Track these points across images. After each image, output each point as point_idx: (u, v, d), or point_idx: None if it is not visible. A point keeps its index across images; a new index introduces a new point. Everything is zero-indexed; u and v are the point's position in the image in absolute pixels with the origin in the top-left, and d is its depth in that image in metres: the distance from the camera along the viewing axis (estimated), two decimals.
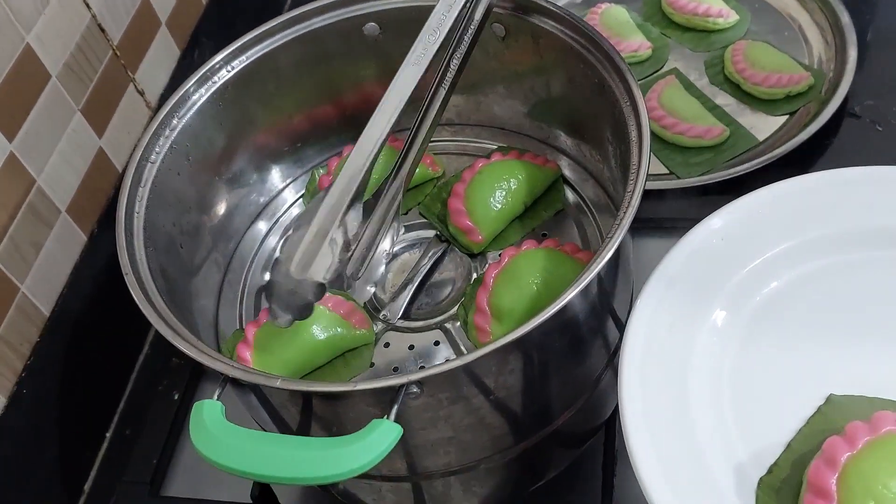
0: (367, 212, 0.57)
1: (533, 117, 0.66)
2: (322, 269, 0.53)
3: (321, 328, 0.56)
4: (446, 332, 0.59)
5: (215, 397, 0.44)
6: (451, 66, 0.58)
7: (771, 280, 0.54)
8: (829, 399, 0.48)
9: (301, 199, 0.68)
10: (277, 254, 0.59)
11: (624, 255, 0.54)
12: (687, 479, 0.44)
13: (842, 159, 0.77)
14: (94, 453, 0.72)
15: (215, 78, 0.60)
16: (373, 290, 0.60)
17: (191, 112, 0.58)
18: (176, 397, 0.72)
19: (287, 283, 0.53)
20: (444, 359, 0.57)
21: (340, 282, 0.57)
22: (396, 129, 0.55)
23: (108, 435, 0.73)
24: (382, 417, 0.42)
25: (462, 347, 0.57)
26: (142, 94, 0.77)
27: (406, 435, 0.48)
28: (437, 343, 0.58)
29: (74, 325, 0.69)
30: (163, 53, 0.80)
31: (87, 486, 0.71)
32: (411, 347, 0.58)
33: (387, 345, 0.59)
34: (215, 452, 0.41)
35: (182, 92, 0.58)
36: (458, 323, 0.59)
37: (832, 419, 0.46)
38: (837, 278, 0.53)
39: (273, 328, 0.56)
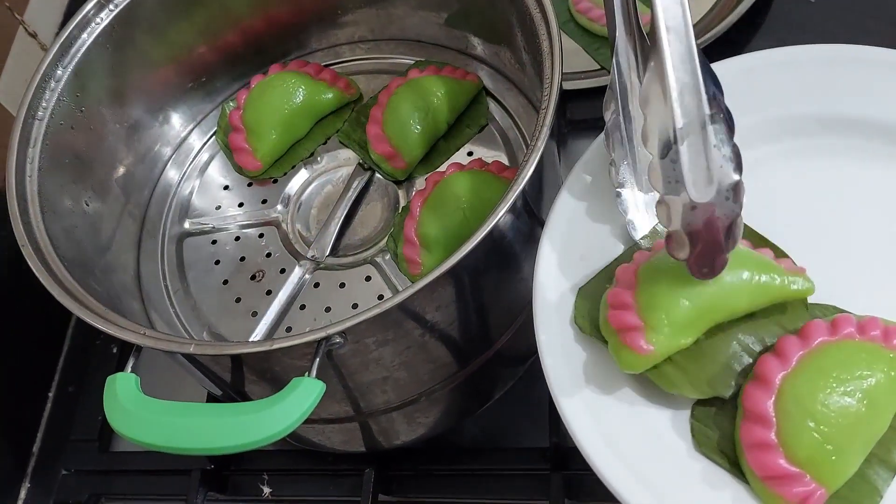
0: None
1: (449, 26, 0.63)
2: (725, 161, 0.37)
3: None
4: (377, 265, 0.57)
5: (128, 369, 0.42)
6: None
7: None
8: None
9: (213, 138, 0.65)
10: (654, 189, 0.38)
11: (548, 166, 0.52)
12: (620, 424, 0.41)
13: (775, 37, 0.75)
14: (39, 414, 0.71)
15: (98, 19, 0.55)
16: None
17: (76, 60, 0.54)
18: (115, 350, 0.71)
19: (699, 214, 0.37)
20: (376, 295, 0.56)
21: None
22: None
23: (50, 395, 0.72)
24: (306, 372, 0.40)
25: (394, 280, 0.56)
26: (34, 36, 0.72)
27: (337, 381, 0.47)
28: (368, 278, 0.56)
29: None
30: None
31: (35, 448, 0.70)
32: (342, 286, 0.56)
33: (317, 285, 0.57)
34: (131, 428, 0.39)
35: (61, 40, 0.53)
36: (389, 256, 0.57)
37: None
38: (764, 170, 0.49)
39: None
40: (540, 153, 0.44)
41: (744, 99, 0.49)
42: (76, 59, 0.54)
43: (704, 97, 0.37)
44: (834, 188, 0.48)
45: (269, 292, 0.57)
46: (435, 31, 0.63)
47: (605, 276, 0.46)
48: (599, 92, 0.72)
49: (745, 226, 0.46)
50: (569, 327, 0.44)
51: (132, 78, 0.58)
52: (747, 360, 0.42)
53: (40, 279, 0.45)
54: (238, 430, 0.38)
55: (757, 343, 0.42)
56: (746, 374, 0.41)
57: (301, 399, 0.39)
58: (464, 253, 0.42)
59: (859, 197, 0.47)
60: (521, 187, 0.44)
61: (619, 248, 0.47)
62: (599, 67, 0.76)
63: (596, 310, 0.44)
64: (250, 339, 0.55)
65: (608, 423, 0.41)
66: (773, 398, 0.39)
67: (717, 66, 0.51)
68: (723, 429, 0.41)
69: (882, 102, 0.48)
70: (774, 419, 0.38)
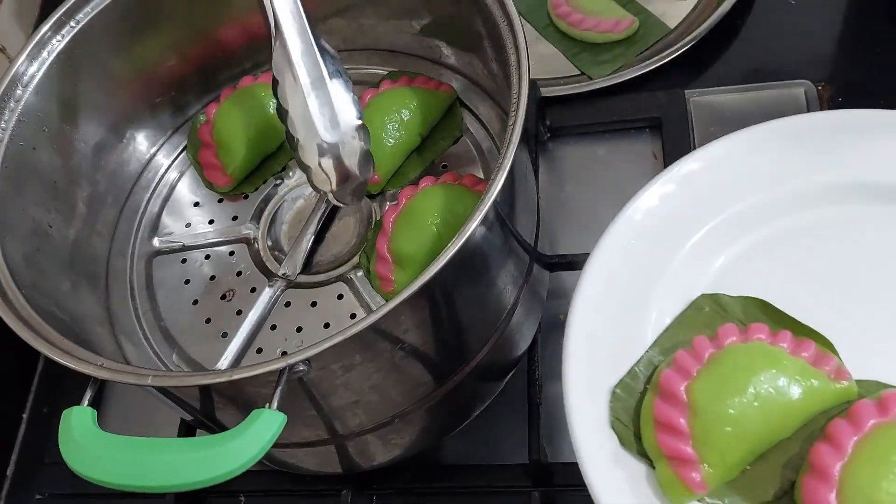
0: None
1: (422, 35, 0.61)
2: (348, 108, 0.48)
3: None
4: (349, 283, 0.55)
5: (85, 402, 0.41)
6: None
7: (712, 261, 0.48)
8: None
9: (184, 153, 0.63)
10: (293, 136, 0.48)
11: (520, 178, 0.50)
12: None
13: (756, 40, 0.74)
14: (13, 437, 0.69)
15: (58, 36, 0.53)
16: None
17: (36, 79, 0.52)
18: None
19: (329, 153, 0.48)
20: (349, 314, 0.54)
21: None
22: None
23: (24, 416, 0.70)
24: (267, 403, 0.39)
25: (367, 298, 0.54)
26: (2, 50, 0.71)
27: (305, 406, 0.46)
28: (340, 297, 0.55)
29: None
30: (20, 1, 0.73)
31: (8, 472, 0.68)
32: (314, 304, 0.55)
33: (288, 304, 0.55)
34: (86, 465, 0.38)
35: (20, 60, 0.52)
36: (362, 272, 0.55)
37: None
38: (781, 247, 0.48)
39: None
40: (507, 169, 0.43)
41: (757, 173, 0.49)
42: (36, 79, 0.53)
43: (320, 59, 0.48)
44: (858, 256, 0.46)
45: (239, 312, 0.56)
46: (408, 40, 0.62)
47: (639, 376, 0.44)
48: (579, 98, 0.72)
49: (785, 314, 0.44)
50: (607, 430, 0.43)
51: (97, 95, 0.57)
52: (793, 448, 0.40)
53: None
54: (194, 466, 0.37)
55: (799, 434, 0.41)
56: (796, 468, 0.39)
57: (260, 433, 0.38)
58: (434, 271, 0.41)
59: (887, 264, 0.46)
60: (490, 201, 0.43)
61: (645, 342, 0.45)
62: (579, 73, 0.75)
63: (631, 412, 0.42)
64: (220, 362, 0.53)
65: None
66: (834, 492, 0.37)
67: (723, 142, 0.50)
68: None
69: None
70: None
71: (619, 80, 0.71)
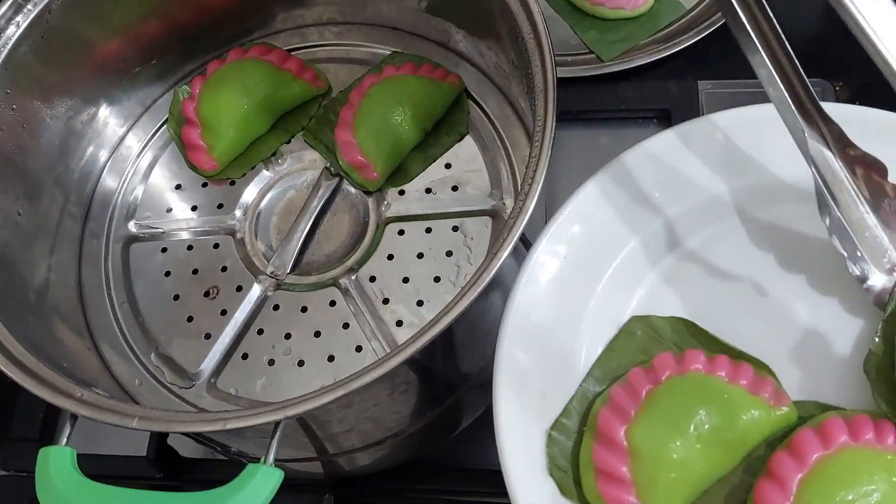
0: None
1: (429, 15, 0.57)
2: None
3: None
4: (342, 288, 0.52)
5: (63, 440, 0.38)
6: None
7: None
8: None
9: (164, 126, 0.59)
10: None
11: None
12: None
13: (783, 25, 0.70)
14: None
15: (30, 5, 0.48)
16: None
17: (3, 53, 0.47)
18: None
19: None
20: (341, 323, 0.51)
21: None
22: None
23: None
24: (262, 457, 0.37)
25: (361, 307, 0.51)
26: None
27: (295, 436, 0.44)
28: (332, 303, 0.52)
29: None
30: None
31: None
32: (304, 310, 0.52)
33: (276, 307, 0.52)
34: None
35: None
36: (355, 277, 0.52)
37: None
38: (701, 262, 0.45)
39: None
40: (532, 205, 0.40)
41: (683, 177, 0.46)
42: (4, 52, 0.47)
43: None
44: (775, 263, 0.45)
45: (223, 312, 0.52)
46: (413, 18, 0.57)
47: (574, 414, 0.41)
48: (585, 81, 0.68)
49: (714, 338, 0.42)
50: (545, 477, 0.40)
51: (71, 67, 0.52)
52: (734, 479, 0.39)
53: None
54: None
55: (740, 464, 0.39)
56: (740, 500, 0.38)
57: (256, 490, 0.35)
58: (449, 321, 0.38)
59: (809, 265, 0.44)
60: (516, 236, 0.40)
61: (578, 374, 0.43)
62: (587, 51, 0.70)
63: (569, 455, 0.40)
64: (202, 365, 0.51)
65: None
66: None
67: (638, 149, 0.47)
68: None
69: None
70: None
71: (629, 66, 0.68)
